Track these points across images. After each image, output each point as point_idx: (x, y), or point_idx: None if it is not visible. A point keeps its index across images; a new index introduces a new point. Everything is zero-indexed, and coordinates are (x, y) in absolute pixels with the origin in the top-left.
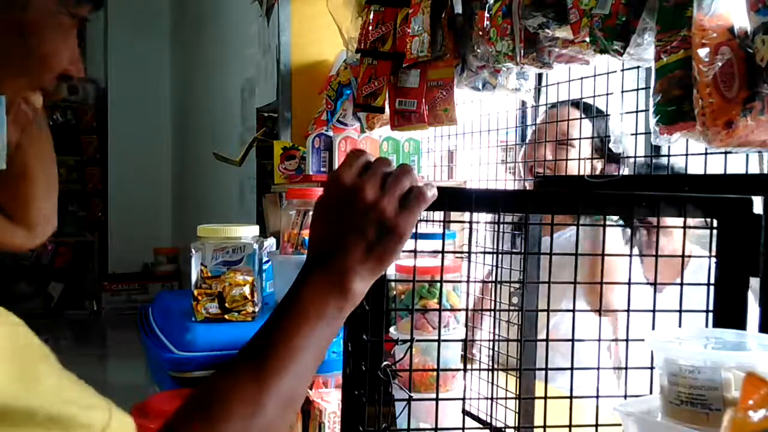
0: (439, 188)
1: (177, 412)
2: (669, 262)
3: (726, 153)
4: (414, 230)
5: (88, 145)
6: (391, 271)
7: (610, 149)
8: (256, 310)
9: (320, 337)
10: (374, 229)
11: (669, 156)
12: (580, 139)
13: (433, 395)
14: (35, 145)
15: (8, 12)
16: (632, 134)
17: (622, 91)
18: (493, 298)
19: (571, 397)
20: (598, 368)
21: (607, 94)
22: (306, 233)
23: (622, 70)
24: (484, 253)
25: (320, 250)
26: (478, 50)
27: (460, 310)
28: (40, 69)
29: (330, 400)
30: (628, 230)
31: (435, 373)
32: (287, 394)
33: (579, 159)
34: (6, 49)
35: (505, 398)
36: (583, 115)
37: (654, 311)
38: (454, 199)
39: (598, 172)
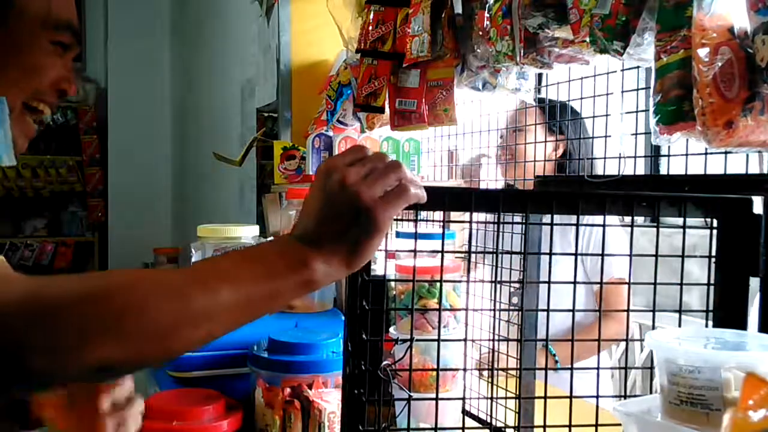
0: (440, 188)
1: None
2: None
3: (726, 153)
4: (415, 230)
5: (88, 145)
6: (391, 271)
7: (560, 128)
8: None
9: (254, 277)
10: (349, 212)
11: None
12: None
13: (433, 395)
14: None
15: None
16: (632, 134)
17: (622, 91)
18: (493, 298)
19: (571, 397)
20: (598, 368)
21: (607, 94)
22: None
23: (622, 70)
24: (485, 253)
25: (299, 228)
26: (478, 50)
27: (460, 309)
28: (26, 81)
29: (330, 400)
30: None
31: (435, 373)
32: (180, 291)
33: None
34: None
35: (505, 398)
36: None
37: (654, 311)
38: (454, 199)
39: (551, 153)
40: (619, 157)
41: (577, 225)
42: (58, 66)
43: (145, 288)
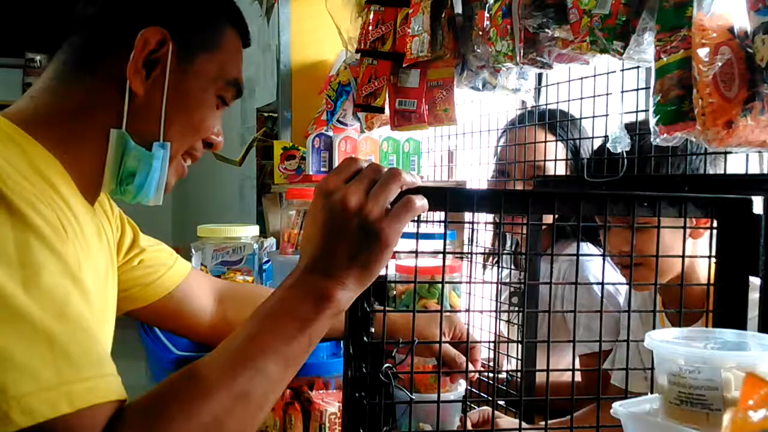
0: (440, 188)
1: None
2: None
3: (726, 153)
4: (416, 231)
5: None
6: (391, 272)
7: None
8: None
9: (290, 338)
10: (357, 235)
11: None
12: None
13: (434, 396)
14: None
15: (177, 90)
16: (632, 134)
17: (622, 91)
18: (493, 298)
19: (572, 398)
20: (599, 369)
21: (607, 94)
22: None
23: (622, 70)
24: (485, 254)
25: (308, 256)
26: (478, 50)
27: (460, 310)
28: (191, 135)
29: (330, 402)
30: None
31: (435, 374)
32: (240, 390)
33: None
34: (173, 118)
35: (506, 398)
36: (559, 137)
37: (654, 311)
38: (454, 199)
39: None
40: (620, 157)
41: (579, 225)
42: (217, 121)
43: (203, 404)
